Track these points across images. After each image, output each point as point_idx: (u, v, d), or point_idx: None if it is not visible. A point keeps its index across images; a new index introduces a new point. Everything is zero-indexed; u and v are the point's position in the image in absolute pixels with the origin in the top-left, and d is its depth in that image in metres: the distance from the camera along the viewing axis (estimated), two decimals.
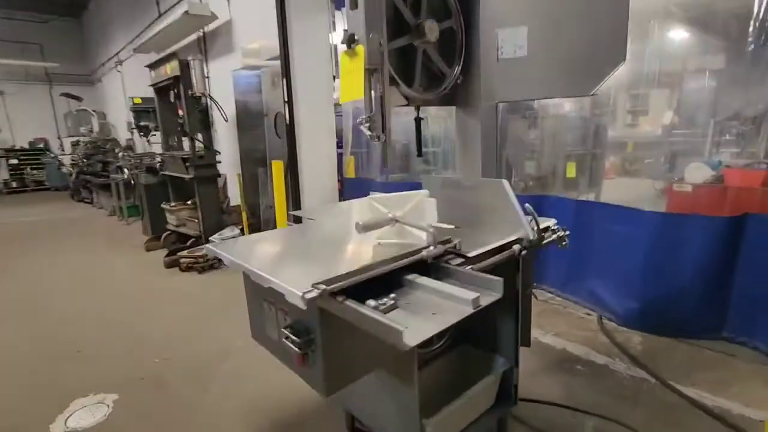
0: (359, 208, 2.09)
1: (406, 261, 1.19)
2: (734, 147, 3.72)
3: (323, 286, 0.99)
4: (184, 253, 4.77)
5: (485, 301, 1.06)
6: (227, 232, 4.99)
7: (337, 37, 5.48)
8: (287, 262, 1.46)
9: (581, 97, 1.65)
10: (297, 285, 1.09)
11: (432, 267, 1.27)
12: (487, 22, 1.73)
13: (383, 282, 1.17)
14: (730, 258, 2.64)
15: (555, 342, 2.87)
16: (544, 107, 4.72)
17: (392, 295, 1.07)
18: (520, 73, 1.72)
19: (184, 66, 4.57)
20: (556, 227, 1.54)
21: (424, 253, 1.23)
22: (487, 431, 1.86)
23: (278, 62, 4.93)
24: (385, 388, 1.61)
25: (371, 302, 1.04)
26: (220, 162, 5.19)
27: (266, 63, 5.37)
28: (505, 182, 1.47)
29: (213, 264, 4.70)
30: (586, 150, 4.75)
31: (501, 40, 1.72)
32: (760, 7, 2.99)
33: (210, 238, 4.91)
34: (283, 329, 1.26)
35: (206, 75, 4.80)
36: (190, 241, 5.14)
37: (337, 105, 5.62)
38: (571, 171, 4.74)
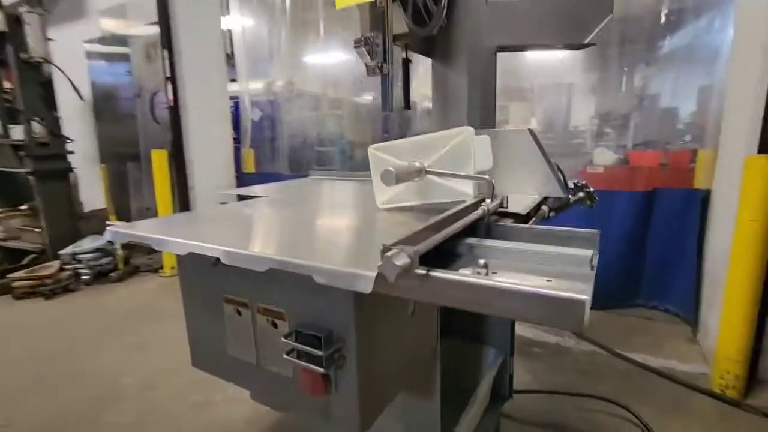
0: (319, 186, 1.67)
1: (469, 219, 0.84)
2: (608, 140, 4.28)
3: (410, 248, 0.58)
4: (20, 273, 3.51)
5: (595, 260, 0.78)
6: (87, 242, 3.85)
7: (230, 21, 4.77)
8: (274, 239, 0.97)
9: (575, 48, 1.51)
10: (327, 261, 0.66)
11: (482, 228, 0.94)
12: None
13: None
14: (643, 230, 2.89)
15: None
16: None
17: (482, 262, 0.71)
18: (512, 17, 1.52)
19: (14, 20, 3.38)
20: (581, 183, 1.36)
21: (483, 207, 0.89)
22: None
23: (152, 32, 4.04)
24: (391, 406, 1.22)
25: (465, 271, 0.66)
26: (72, 152, 3.99)
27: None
28: (531, 131, 1.22)
29: (68, 285, 3.54)
30: None
31: None
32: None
33: (61, 252, 3.72)
34: (283, 339, 0.78)
35: (48, 37, 3.64)
36: (28, 258, 3.83)
37: (234, 98, 4.91)
38: None
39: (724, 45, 2.75)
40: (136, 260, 4.15)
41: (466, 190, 0.97)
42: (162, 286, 3.71)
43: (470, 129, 0.95)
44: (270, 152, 4.80)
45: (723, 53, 2.78)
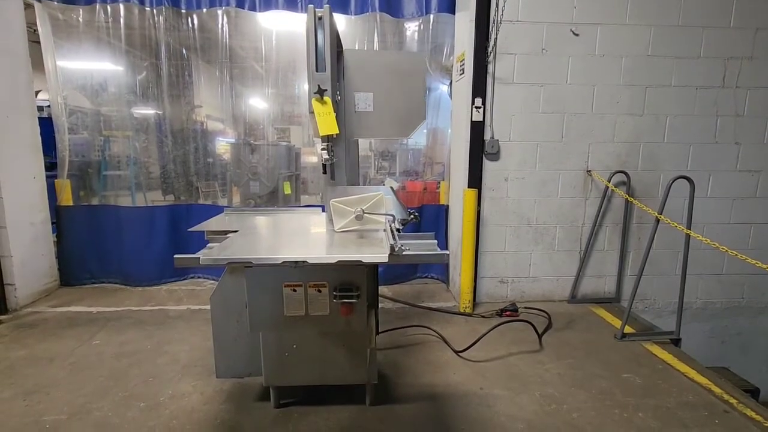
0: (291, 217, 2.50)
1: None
2: (384, 169, 6.14)
3: (400, 242, 1.73)
4: None
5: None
6: None
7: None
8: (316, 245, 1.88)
9: (404, 138, 2.89)
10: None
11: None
12: (349, 87, 2.66)
13: None
14: (416, 228, 4.67)
15: None
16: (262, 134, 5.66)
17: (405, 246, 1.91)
18: (368, 120, 2.76)
19: None
20: (411, 210, 2.71)
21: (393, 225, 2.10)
22: None
23: None
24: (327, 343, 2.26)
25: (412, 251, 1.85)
26: None
27: None
28: (392, 189, 2.50)
29: None
30: (291, 172, 6.17)
31: (357, 99, 2.70)
32: None
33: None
34: (334, 293, 1.78)
35: None
36: None
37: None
38: (287, 189, 6.05)
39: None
40: None
41: (381, 221, 2.15)
42: None
43: (382, 191, 2.14)
44: (99, 180, 4.52)
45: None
